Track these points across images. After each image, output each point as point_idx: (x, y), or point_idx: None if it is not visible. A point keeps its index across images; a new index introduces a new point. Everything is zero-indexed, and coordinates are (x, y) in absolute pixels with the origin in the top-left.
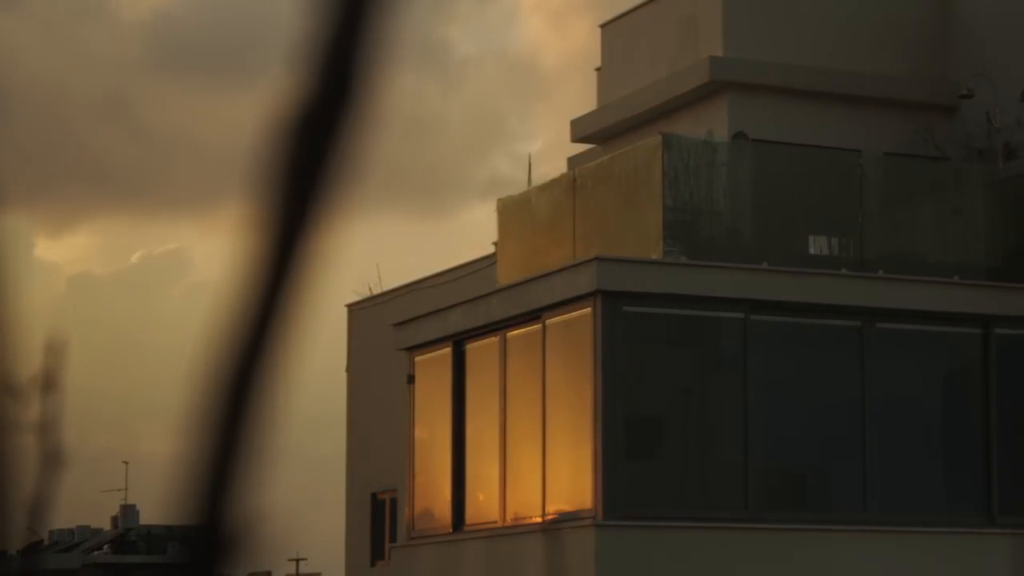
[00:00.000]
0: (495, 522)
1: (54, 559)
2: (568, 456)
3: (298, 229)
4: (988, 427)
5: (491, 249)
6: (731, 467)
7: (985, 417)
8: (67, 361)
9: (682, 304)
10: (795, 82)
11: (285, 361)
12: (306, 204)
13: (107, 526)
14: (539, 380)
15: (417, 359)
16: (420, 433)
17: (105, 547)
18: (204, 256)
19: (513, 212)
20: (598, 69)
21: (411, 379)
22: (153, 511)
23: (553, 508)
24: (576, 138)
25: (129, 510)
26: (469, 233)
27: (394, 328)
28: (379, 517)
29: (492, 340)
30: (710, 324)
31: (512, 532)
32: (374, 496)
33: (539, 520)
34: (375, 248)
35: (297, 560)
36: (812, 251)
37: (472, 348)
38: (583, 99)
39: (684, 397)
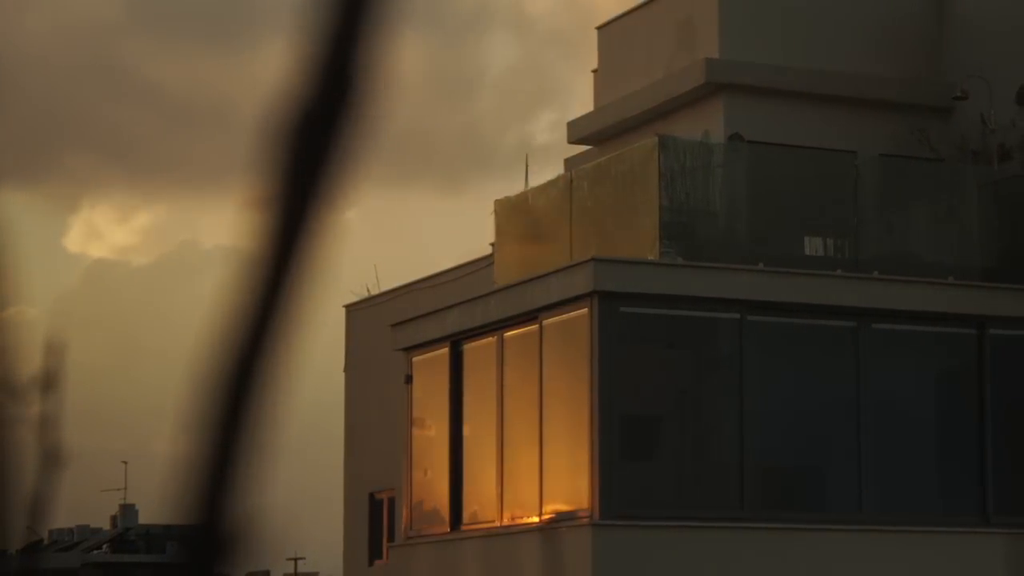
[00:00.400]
0: (492, 522)
1: (54, 558)
2: (565, 456)
3: (298, 229)
4: (983, 427)
5: (489, 250)
6: (727, 467)
7: (980, 417)
8: (66, 362)
9: (678, 305)
10: (791, 84)
11: (283, 361)
12: (306, 203)
13: (106, 525)
14: (536, 380)
15: (415, 359)
16: (418, 433)
17: (104, 546)
18: (204, 256)
19: (510, 213)
20: (595, 71)
21: (409, 379)
22: (152, 510)
23: (550, 508)
24: (573, 139)
25: (128, 509)
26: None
27: (392, 328)
28: (377, 517)
29: (489, 340)
30: (706, 324)
31: (509, 532)
32: (372, 496)
33: (536, 520)
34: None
35: (295, 559)
36: (808, 252)
37: (469, 348)
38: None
39: (680, 397)
